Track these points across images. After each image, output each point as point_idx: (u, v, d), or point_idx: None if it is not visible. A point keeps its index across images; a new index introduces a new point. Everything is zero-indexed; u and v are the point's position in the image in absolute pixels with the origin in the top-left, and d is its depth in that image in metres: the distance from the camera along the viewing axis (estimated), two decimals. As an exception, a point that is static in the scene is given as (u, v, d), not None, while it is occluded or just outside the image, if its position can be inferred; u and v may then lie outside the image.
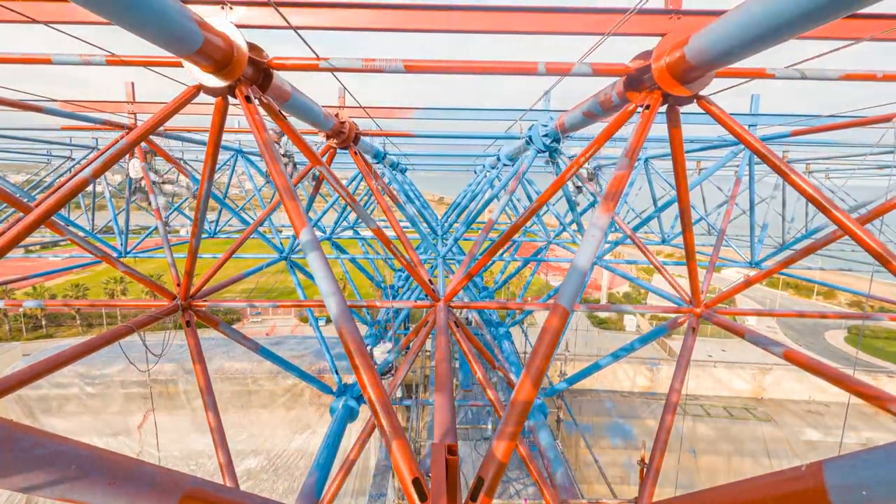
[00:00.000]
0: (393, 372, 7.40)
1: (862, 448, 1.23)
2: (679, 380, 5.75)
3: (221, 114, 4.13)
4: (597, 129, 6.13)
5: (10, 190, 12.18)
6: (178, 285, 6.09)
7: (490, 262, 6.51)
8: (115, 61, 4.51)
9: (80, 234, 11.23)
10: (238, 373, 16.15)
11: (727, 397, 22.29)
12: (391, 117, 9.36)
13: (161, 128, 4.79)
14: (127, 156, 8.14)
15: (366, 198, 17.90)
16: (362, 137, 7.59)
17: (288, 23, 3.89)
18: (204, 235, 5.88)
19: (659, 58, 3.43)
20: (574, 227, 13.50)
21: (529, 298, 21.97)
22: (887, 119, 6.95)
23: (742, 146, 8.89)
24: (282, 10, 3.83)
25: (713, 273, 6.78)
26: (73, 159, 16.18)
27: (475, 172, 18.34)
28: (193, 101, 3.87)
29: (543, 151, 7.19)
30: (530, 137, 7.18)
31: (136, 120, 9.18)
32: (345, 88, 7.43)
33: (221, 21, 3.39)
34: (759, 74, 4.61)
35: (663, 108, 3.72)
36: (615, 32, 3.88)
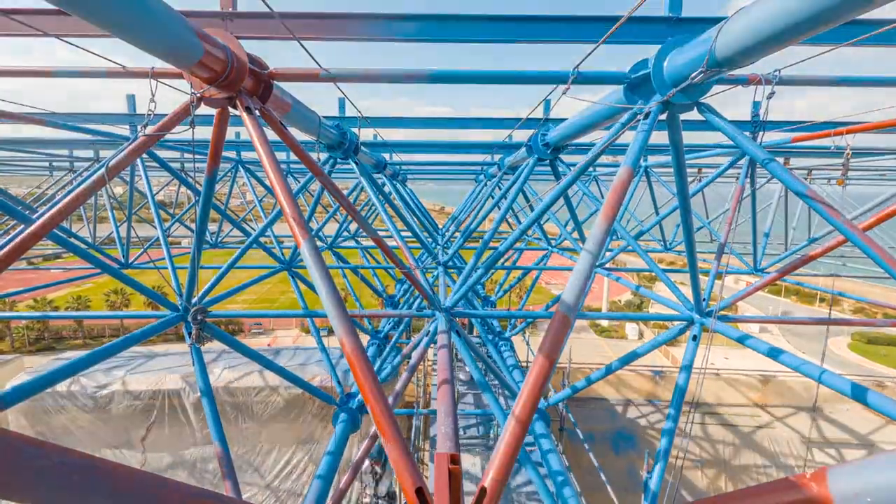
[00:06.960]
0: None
1: (865, 455, 1.23)
2: (681, 388, 5.73)
3: (222, 125, 4.14)
4: (597, 137, 6.14)
5: (12, 202, 12.21)
6: (180, 297, 6.10)
7: (491, 270, 6.51)
8: (115, 73, 4.53)
9: (82, 245, 11.26)
10: (240, 383, 16.10)
11: (730, 405, 22.16)
12: (392, 127, 9.41)
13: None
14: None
15: (367, 208, 17.91)
16: (362, 147, 7.62)
17: (291, 33, 3.91)
18: (205, 246, 5.89)
19: (658, 65, 3.44)
20: (575, 234, 13.50)
21: (531, 307, 21.93)
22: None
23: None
24: (278, 21, 3.86)
25: (716, 280, 6.76)
26: (75, 171, 16.20)
27: (476, 182, 18.36)
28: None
29: (544, 160, 7.21)
30: (531, 146, 7.20)
31: (136, 131, 9.24)
32: (346, 98, 7.46)
33: (222, 33, 3.41)
34: (757, 80, 4.62)
35: (664, 116, 3.72)
36: (615, 40, 3.90)
